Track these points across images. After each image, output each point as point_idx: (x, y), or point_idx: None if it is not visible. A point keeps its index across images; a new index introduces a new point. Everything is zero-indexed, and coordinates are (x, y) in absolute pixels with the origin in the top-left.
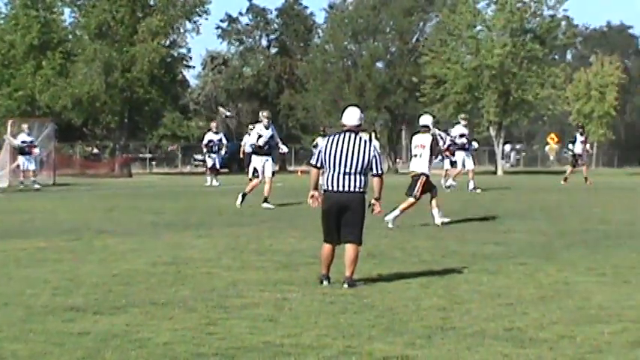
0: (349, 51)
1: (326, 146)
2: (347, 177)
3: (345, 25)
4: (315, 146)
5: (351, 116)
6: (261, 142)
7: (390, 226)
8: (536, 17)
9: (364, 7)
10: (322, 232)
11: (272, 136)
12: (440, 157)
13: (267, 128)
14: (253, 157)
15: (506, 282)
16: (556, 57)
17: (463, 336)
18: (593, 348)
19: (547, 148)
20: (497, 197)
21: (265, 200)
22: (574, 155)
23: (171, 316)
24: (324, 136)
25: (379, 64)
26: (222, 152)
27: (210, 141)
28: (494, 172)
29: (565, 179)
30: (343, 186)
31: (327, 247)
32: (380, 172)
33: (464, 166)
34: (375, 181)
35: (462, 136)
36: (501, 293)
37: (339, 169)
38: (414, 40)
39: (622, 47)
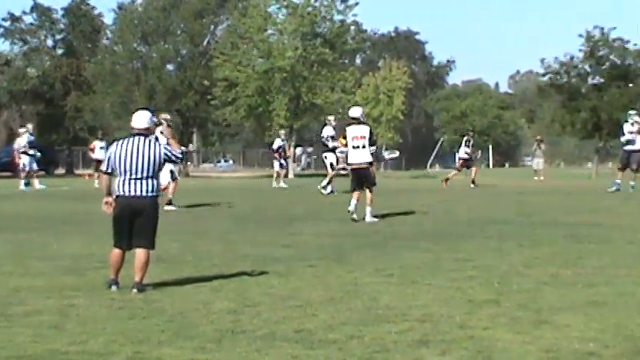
0: (139, 53)
1: (115, 151)
2: (138, 182)
3: (134, 26)
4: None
5: (140, 119)
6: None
7: (373, 220)
8: (327, 22)
9: (154, 9)
10: (112, 237)
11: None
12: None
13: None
14: None
15: (296, 284)
16: (346, 61)
17: (253, 339)
18: (380, 347)
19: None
20: (289, 200)
21: None
22: (465, 159)
23: None
24: (101, 139)
25: (170, 67)
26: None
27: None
28: (286, 175)
29: (446, 180)
30: (135, 191)
31: (116, 251)
32: (179, 154)
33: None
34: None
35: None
36: (291, 295)
37: (130, 173)
38: (205, 42)
39: (409, 52)
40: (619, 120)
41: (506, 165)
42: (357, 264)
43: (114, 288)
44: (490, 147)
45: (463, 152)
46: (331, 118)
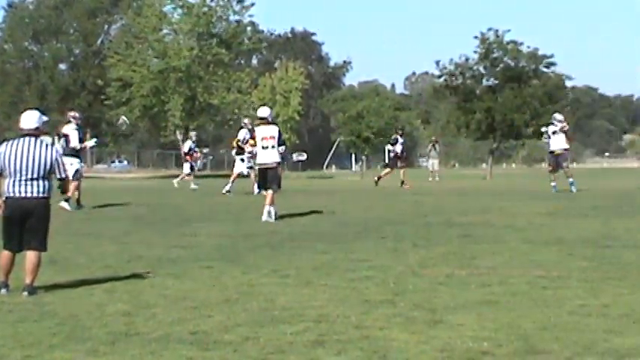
0: (30, 52)
1: (5, 152)
2: (29, 183)
3: (25, 24)
4: None
5: (29, 120)
6: None
7: (273, 220)
8: (223, 22)
9: (46, 7)
10: (2, 239)
11: None
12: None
13: None
14: None
15: (191, 285)
16: (242, 62)
17: (148, 341)
18: (275, 348)
19: (234, 152)
20: (184, 200)
21: None
22: (396, 156)
23: None
24: None
25: (62, 66)
26: None
27: None
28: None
29: (378, 179)
30: (26, 192)
31: (6, 254)
32: (63, 175)
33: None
34: (61, 184)
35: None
36: (187, 297)
37: (21, 174)
38: (98, 42)
39: (305, 53)
40: (513, 121)
41: None
42: (253, 265)
43: (3, 291)
44: (386, 148)
45: (398, 149)
46: (247, 121)
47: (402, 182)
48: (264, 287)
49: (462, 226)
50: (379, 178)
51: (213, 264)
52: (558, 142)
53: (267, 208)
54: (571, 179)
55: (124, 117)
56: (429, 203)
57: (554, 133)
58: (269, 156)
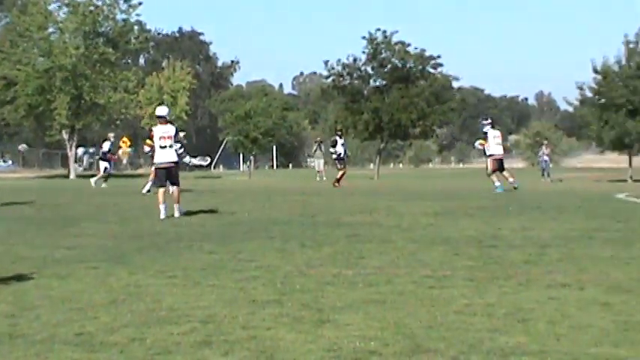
0: None
1: None
2: None
3: None
4: None
5: None
6: None
7: (178, 215)
8: (109, 21)
9: None
10: None
11: None
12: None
13: None
14: None
15: (77, 286)
16: (129, 61)
17: (32, 342)
18: (162, 349)
19: (120, 151)
20: (70, 200)
21: None
22: (339, 156)
23: None
24: None
25: None
26: None
27: None
28: (67, 176)
29: (337, 181)
30: None
31: None
32: None
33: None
34: None
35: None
36: (72, 298)
37: None
38: None
39: (193, 53)
40: (400, 121)
41: (290, 166)
42: (139, 266)
43: None
44: (274, 148)
45: (340, 149)
46: (112, 134)
47: (337, 180)
48: (151, 288)
49: (349, 226)
50: (337, 181)
51: (99, 264)
52: (498, 147)
53: (176, 205)
54: (512, 179)
55: (24, 145)
56: (316, 203)
57: (494, 137)
58: (168, 155)
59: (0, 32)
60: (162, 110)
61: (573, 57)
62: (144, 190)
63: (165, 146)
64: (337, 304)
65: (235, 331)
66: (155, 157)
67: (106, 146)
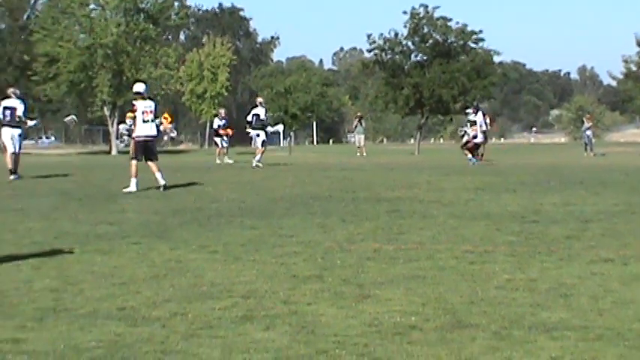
0: None
1: None
2: None
3: None
4: None
5: None
6: None
7: (162, 182)
8: None
9: None
10: None
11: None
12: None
13: None
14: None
15: (119, 261)
16: (169, 37)
17: (76, 317)
18: (204, 324)
19: (161, 127)
20: (110, 177)
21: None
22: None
23: None
24: None
25: None
26: None
27: None
28: (109, 152)
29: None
30: None
31: None
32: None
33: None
34: None
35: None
36: (114, 273)
37: None
38: (25, 17)
39: (233, 29)
40: (441, 96)
41: (330, 141)
42: (181, 241)
43: None
44: (314, 124)
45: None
46: (261, 99)
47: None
48: (192, 263)
49: (390, 202)
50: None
51: (141, 240)
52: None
53: (158, 174)
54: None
55: (73, 116)
56: (357, 179)
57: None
58: (150, 129)
59: (42, 9)
60: (139, 87)
61: (616, 31)
62: (253, 164)
63: (148, 120)
64: (378, 279)
65: (276, 306)
66: (136, 130)
67: (216, 122)
